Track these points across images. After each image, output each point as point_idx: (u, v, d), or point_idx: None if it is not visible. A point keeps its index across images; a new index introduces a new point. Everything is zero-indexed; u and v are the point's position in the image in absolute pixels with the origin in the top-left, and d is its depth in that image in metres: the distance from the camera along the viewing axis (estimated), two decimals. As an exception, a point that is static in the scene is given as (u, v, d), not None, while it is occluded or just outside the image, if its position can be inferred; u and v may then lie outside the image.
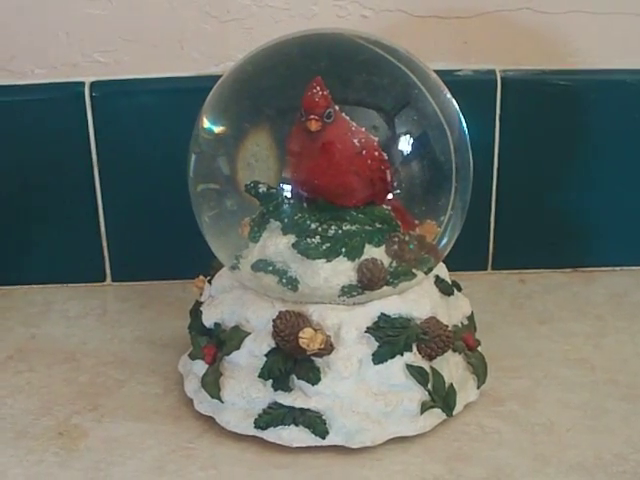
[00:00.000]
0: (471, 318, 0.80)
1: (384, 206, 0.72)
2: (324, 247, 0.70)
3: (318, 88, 0.67)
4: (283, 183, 0.71)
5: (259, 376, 0.71)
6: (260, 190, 0.71)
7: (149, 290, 0.94)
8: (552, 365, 0.81)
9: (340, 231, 0.70)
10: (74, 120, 0.90)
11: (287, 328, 0.69)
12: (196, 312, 0.78)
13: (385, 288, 0.71)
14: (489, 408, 0.75)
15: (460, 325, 0.77)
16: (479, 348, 0.78)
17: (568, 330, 0.86)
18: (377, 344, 0.70)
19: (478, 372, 0.76)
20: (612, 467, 0.68)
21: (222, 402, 0.72)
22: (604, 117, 0.91)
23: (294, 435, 0.70)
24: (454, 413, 0.73)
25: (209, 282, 0.80)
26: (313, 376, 0.69)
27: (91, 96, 0.89)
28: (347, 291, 0.71)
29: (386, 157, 0.70)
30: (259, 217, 0.73)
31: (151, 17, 0.89)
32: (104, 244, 0.94)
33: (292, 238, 0.71)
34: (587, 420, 0.74)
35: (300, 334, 0.68)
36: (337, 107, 0.68)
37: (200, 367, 0.75)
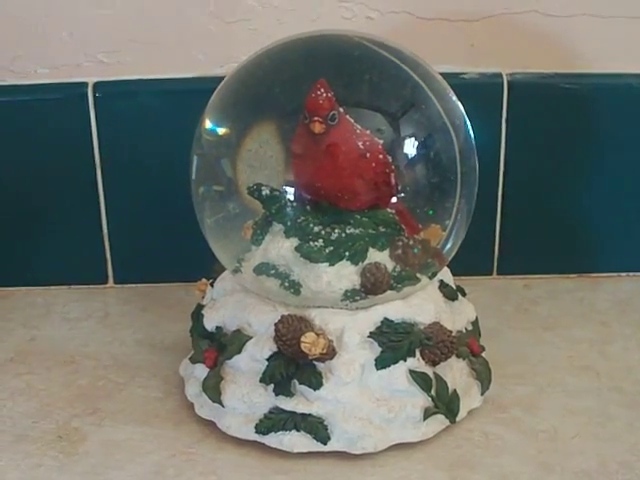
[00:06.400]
0: (475, 323, 0.79)
1: (388, 210, 0.71)
2: (327, 251, 0.70)
3: (322, 90, 0.67)
4: (286, 186, 0.70)
5: (260, 381, 0.70)
6: (263, 193, 0.70)
7: (151, 292, 0.94)
8: (557, 372, 0.80)
9: (343, 235, 0.70)
10: (77, 121, 0.89)
11: (289, 332, 0.68)
12: (198, 315, 0.77)
13: (389, 293, 0.71)
14: (493, 415, 0.75)
15: (464, 330, 0.77)
16: (483, 354, 0.77)
17: (573, 336, 0.86)
18: (380, 349, 0.70)
19: (482, 378, 0.75)
20: (617, 475, 0.68)
21: (223, 407, 0.71)
22: (611, 121, 0.90)
23: (295, 440, 0.69)
24: (457, 419, 0.72)
25: (211, 285, 0.79)
26: (315, 381, 0.69)
27: (94, 97, 0.89)
28: (350, 295, 0.70)
29: (390, 160, 0.69)
30: (262, 220, 0.72)
31: (155, 18, 0.89)
32: (106, 246, 0.94)
33: (295, 241, 0.70)
34: (592, 427, 0.73)
35: (302, 338, 0.67)
36: (341, 109, 0.68)
37: (201, 371, 0.74)
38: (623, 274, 0.96)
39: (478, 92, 0.88)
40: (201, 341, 0.75)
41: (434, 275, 0.74)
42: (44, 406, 0.77)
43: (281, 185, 0.70)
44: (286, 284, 0.71)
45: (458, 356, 0.74)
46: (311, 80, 0.67)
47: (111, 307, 0.93)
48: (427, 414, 0.70)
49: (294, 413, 0.69)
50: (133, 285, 0.95)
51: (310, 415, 0.69)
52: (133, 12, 0.88)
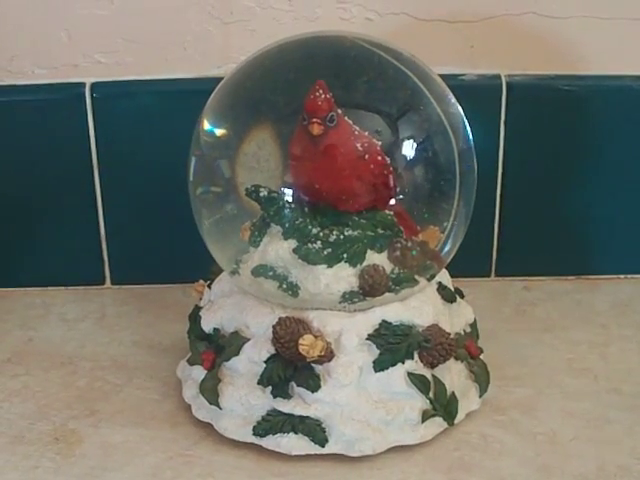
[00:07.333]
0: (474, 325, 0.79)
1: (387, 211, 0.71)
2: (325, 253, 0.69)
3: (321, 91, 0.67)
4: (284, 187, 0.70)
5: (258, 383, 0.70)
6: (261, 194, 0.70)
7: (148, 293, 0.94)
8: (555, 374, 0.80)
9: (342, 236, 0.70)
10: (74, 121, 0.89)
11: (287, 334, 0.68)
12: (195, 317, 0.77)
13: (387, 295, 0.71)
14: (491, 417, 0.74)
15: (462, 333, 0.77)
16: (482, 356, 0.77)
17: (572, 338, 0.85)
18: (378, 351, 0.70)
19: (480, 380, 0.75)
20: (615, 478, 0.67)
21: (220, 409, 0.71)
22: (609, 123, 0.90)
23: (293, 443, 0.69)
24: (456, 422, 0.72)
25: (209, 287, 0.79)
26: (313, 383, 0.69)
27: (92, 97, 0.89)
28: (348, 297, 0.70)
29: (389, 162, 0.69)
30: (260, 221, 0.72)
31: (153, 18, 0.88)
32: (103, 246, 0.94)
33: (293, 243, 0.70)
34: (590, 430, 0.73)
35: (300, 341, 0.67)
36: (340, 111, 0.67)
37: (199, 373, 0.74)
38: (622, 276, 0.96)
39: (477, 93, 0.87)
40: (198, 343, 0.75)
41: (432, 277, 0.74)
42: (41, 407, 0.76)
43: (279, 187, 0.70)
44: (284, 286, 0.70)
45: (456, 358, 0.74)
46: (310, 81, 0.67)
47: (108, 308, 0.92)
48: (425, 416, 0.70)
49: (292, 415, 0.69)
50: (130, 286, 0.95)
51: (308, 417, 0.69)
52: (131, 12, 0.88)
